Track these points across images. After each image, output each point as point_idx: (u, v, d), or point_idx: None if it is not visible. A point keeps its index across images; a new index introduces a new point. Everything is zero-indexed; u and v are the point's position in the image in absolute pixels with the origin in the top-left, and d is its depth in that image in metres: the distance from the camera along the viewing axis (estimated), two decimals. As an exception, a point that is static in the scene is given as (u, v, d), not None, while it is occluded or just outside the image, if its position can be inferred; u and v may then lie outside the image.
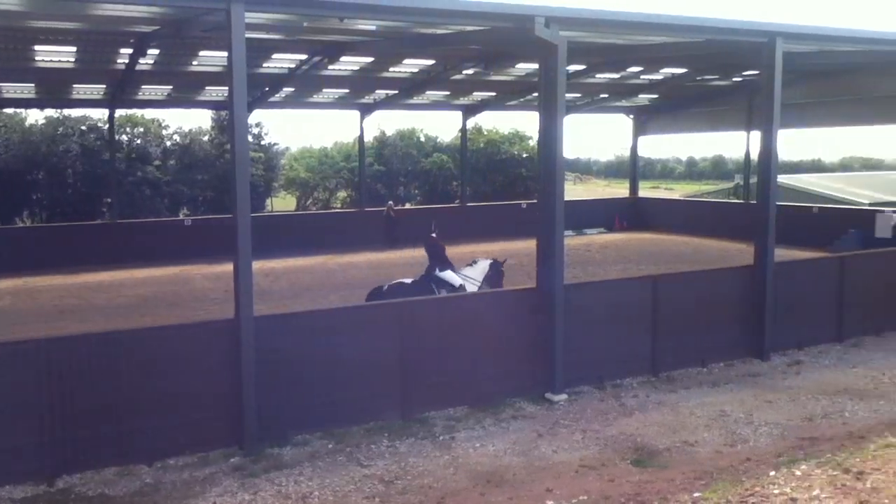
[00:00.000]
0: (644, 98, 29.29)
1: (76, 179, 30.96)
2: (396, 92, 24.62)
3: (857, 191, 38.74)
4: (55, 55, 16.92)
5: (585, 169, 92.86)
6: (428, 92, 25.15)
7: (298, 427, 9.41)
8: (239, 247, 9.00)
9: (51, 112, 31.38)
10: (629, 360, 11.67)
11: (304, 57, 18.32)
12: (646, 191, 44.78)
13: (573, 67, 19.58)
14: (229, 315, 9.53)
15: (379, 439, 9.34)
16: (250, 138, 30.26)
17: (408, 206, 37.47)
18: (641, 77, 23.76)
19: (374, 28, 12.46)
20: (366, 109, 27.55)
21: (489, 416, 10.06)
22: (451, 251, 14.10)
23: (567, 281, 11.25)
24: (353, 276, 20.61)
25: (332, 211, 36.75)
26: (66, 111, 31.18)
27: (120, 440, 8.56)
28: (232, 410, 9.03)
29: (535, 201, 11.99)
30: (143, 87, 22.19)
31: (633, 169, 34.66)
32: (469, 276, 13.14)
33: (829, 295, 13.66)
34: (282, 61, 19.10)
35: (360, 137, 29.14)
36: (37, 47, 16.04)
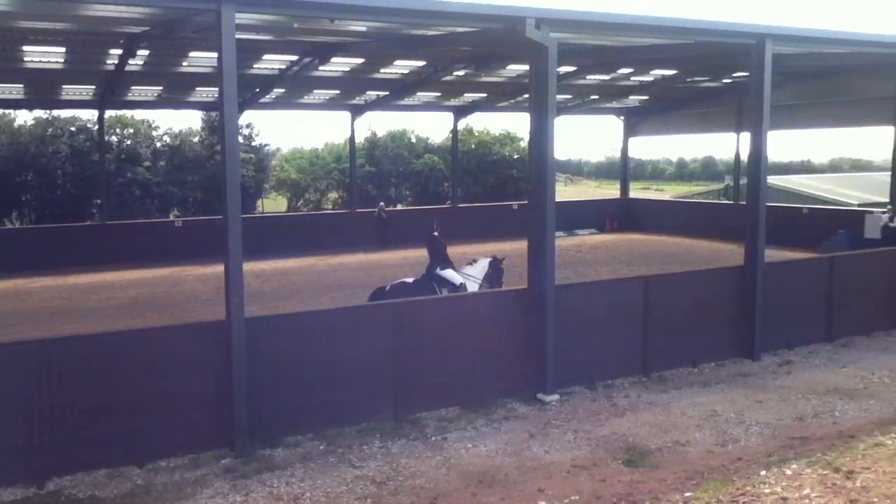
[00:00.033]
0: (634, 99, 29.39)
1: (66, 181, 30.83)
2: (387, 93, 24.60)
3: (846, 192, 38.98)
4: (44, 56, 16.83)
5: (576, 170, 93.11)
6: (419, 93, 25.15)
7: (290, 428, 9.39)
8: (230, 248, 8.97)
9: (40, 113, 31.27)
10: (621, 360, 11.70)
11: (294, 58, 18.29)
12: (636, 192, 44.91)
13: (564, 69, 19.66)
14: (220, 316, 9.49)
15: (371, 440, 9.33)
16: (241, 139, 30.09)
17: (399, 207, 37.48)
18: (632, 79, 23.84)
19: (364, 29, 12.44)
20: (357, 110, 27.53)
21: (481, 417, 10.06)
22: (444, 252, 14.07)
23: (558, 282, 11.25)
24: (344, 278, 20.59)
25: (323, 212, 36.64)
26: (56, 112, 31.11)
27: (110, 442, 8.52)
28: (223, 412, 8.99)
29: (526, 202, 12.01)
30: (132, 87, 22.12)
31: (623, 170, 34.81)
32: (470, 274, 13.10)
33: (818, 295, 13.73)
34: (272, 62, 19.06)
35: (351, 138, 29.09)
36: (26, 48, 15.95)
